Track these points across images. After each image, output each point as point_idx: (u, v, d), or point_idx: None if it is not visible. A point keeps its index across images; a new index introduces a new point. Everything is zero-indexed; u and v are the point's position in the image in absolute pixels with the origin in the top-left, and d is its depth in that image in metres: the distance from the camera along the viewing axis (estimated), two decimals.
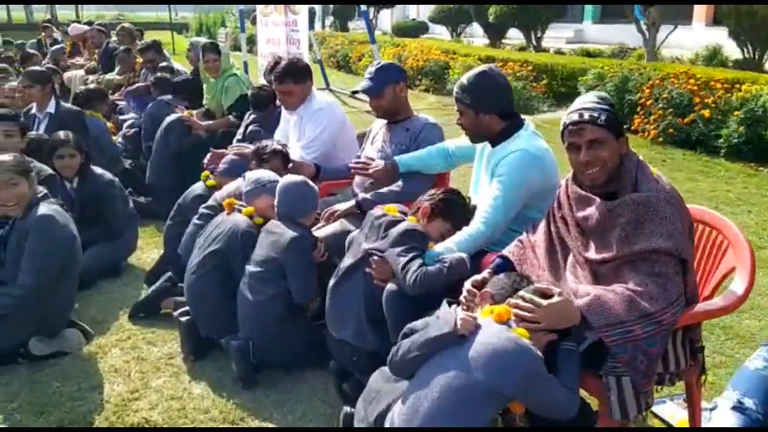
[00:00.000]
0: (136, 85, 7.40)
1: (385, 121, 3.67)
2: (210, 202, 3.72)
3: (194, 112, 5.66)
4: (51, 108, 5.28)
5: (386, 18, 31.38)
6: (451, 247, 2.69)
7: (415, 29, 25.49)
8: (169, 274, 3.87)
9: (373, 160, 3.46)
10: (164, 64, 7.02)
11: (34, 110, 5.35)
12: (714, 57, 12.58)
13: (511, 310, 2.14)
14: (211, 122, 5.61)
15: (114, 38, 9.78)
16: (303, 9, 9.99)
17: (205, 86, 5.83)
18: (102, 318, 3.72)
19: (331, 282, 2.95)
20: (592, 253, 2.24)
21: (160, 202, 5.31)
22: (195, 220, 3.70)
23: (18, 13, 42.60)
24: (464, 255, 2.62)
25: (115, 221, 4.27)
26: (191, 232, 3.66)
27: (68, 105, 5.51)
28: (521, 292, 2.20)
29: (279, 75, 4.00)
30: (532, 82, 11.58)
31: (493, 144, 2.92)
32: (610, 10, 19.77)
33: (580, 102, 2.27)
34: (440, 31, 24.43)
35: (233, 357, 3.07)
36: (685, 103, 8.09)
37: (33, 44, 15.32)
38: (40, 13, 42.10)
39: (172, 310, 3.61)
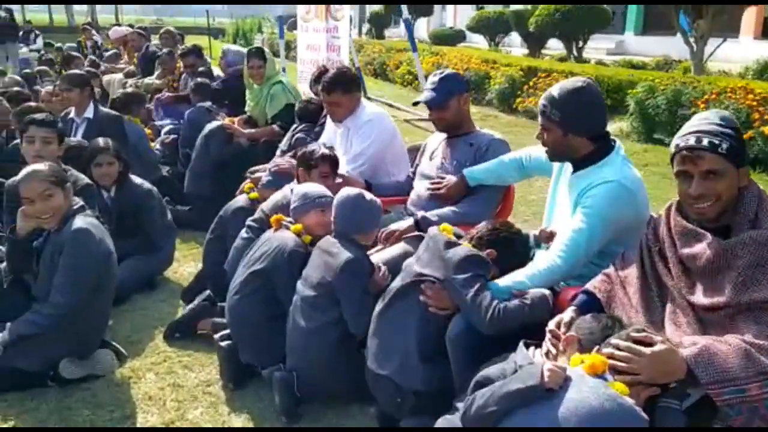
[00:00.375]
0: (167, 94, 7.22)
1: (444, 136, 3.40)
2: (257, 214, 3.48)
3: (236, 119, 5.45)
4: (89, 112, 5.13)
5: (422, 26, 31.21)
6: (522, 281, 2.41)
7: (452, 38, 25.27)
8: (207, 292, 3.65)
9: (443, 177, 3.20)
10: (203, 68, 6.85)
11: (72, 114, 5.20)
12: (766, 71, 12.09)
13: (606, 360, 1.85)
14: (253, 130, 5.40)
15: (154, 42, 9.68)
16: (345, 15, 9.78)
17: (248, 93, 5.63)
18: (136, 338, 3.50)
19: (377, 308, 2.68)
20: (699, 297, 1.94)
21: (199, 212, 5.12)
22: (243, 233, 3.47)
23: (59, 15, 43.38)
24: (546, 291, 2.34)
25: (152, 233, 4.07)
26: (238, 247, 3.42)
27: (107, 110, 5.36)
28: (614, 339, 1.91)
29: (327, 85, 3.77)
30: None
31: (577, 168, 2.62)
32: (653, 21, 19.37)
33: (698, 122, 1.96)
34: (477, 40, 24.17)
35: (276, 388, 2.82)
36: (743, 119, 7.68)
37: (72, 47, 15.47)
38: (80, 16, 42.87)
39: (209, 332, 3.39)
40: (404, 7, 10.78)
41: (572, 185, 2.63)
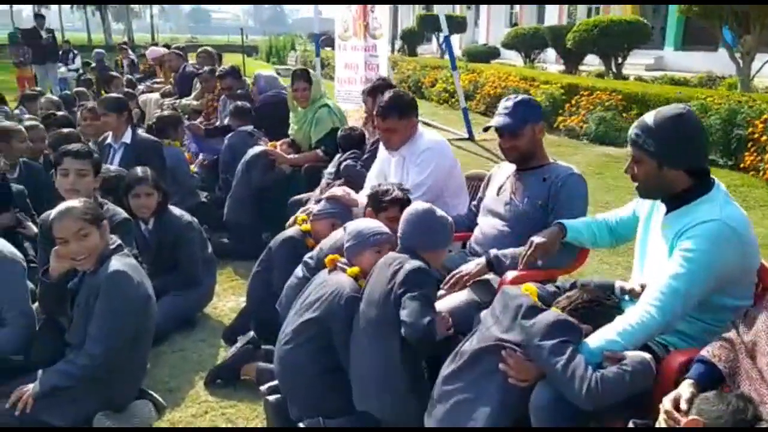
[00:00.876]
0: (200, 120, 6.97)
1: (512, 168, 3.09)
2: (316, 251, 3.21)
3: (278, 143, 5.21)
4: (127, 137, 4.94)
5: (455, 43, 30.98)
6: (614, 340, 2.09)
7: (486, 54, 25.04)
8: (251, 333, 3.38)
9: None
10: (242, 91, 6.62)
11: (109, 140, 5.02)
12: None
13: None
14: (297, 156, 5.17)
15: (191, 62, 9.57)
16: (383, 33, 9.57)
17: (291, 115, 5.38)
18: (175, 384, 3.24)
19: (447, 369, 2.38)
20: None
21: (239, 241, 4.89)
22: (298, 271, 3.20)
23: (98, 35, 44.26)
24: (647, 356, 2.01)
25: (192, 268, 3.82)
26: (292, 287, 3.15)
27: (145, 135, 5.16)
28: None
29: (382, 110, 3.51)
30: (622, 112, 10.83)
31: (672, 206, 2.29)
32: (693, 36, 18.91)
33: None
34: (510, 56, 23.91)
35: None
36: None
37: (87, 62, 15.72)
38: (118, 35, 43.71)
39: (253, 378, 3.12)
40: (444, 24, 10.54)
41: (666, 227, 2.31)
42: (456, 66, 10.80)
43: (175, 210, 3.88)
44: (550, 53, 21.45)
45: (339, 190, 3.60)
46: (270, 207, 4.86)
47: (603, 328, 2.14)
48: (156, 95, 10.08)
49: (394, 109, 3.50)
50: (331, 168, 4.55)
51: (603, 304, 2.24)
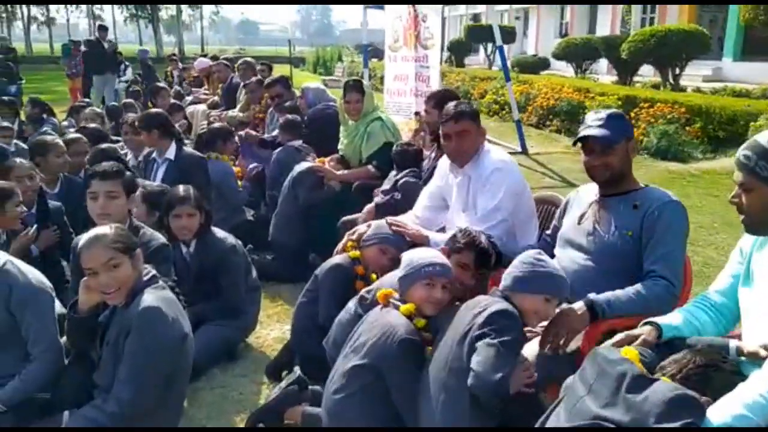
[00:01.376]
0: (247, 131, 6.74)
1: (594, 192, 2.71)
2: (375, 285, 2.88)
3: (326, 159, 4.91)
4: (171, 153, 4.72)
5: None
6: (744, 415, 1.69)
7: (536, 65, 24.59)
8: (297, 371, 3.06)
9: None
10: (290, 103, 6.31)
11: (154, 154, 4.81)
12: None
13: None
14: (347, 172, 4.85)
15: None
16: (435, 43, 9.25)
17: (342, 129, 5.08)
18: (214, 425, 2.95)
19: None
20: None
21: (285, 262, 4.62)
22: (350, 305, 2.88)
23: (150, 47, 45.20)
24: None
25: (235, 296, 3.53)
26: (343, 323, 2.84)
27: (190, 150, 4.92)
28: None
29: (456, 112, 3.18)
30: (685, 125, 10.27)
31: None
32: (753, 47, 18.22)
33: None
34: (560, 67, 23.42)
35: None
36: None
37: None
38: (169, 47, 44.59)
39: (298, 424, 2.80)
40: (497, 35, 10.18)
41: None
42: (509, 77, 10.39)
43: (219, 232, 3.61)
44: (602, 64, 20.95)
45: (407, 224, 3.25)
46: (318, 227, 4.57)
47: (724, 399, 1.74)
48: (203, 107, 9.97)
49: (468, 112, 3.19)
50: (385, 186, 4.21)
51: (720, 368, 1.84)
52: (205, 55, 18.01)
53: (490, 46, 28.17)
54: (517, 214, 3.07)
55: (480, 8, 38.10)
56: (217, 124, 5.52)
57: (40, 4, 42.78)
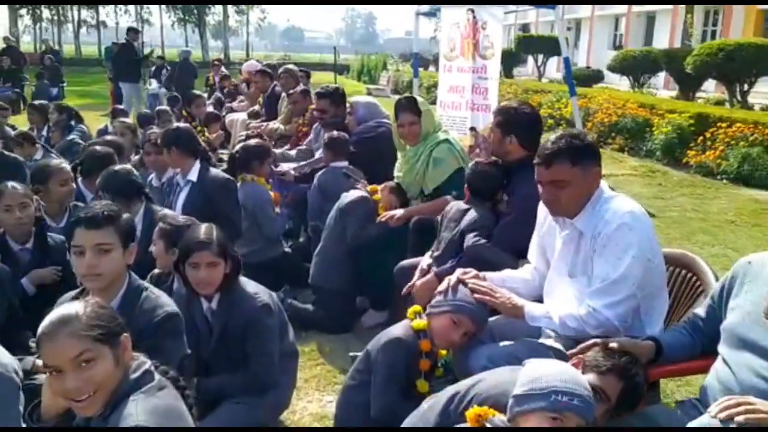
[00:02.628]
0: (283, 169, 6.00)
1: None
2: (467, 391, 2.04)
3: (380, 188, 4.13)
4: (193, 174, 4.04)
5: (552, 65, 29.73)
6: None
7: (589, 78, 23.68)
8: None
9: None
10: (337, 119, 5.33)
11: (178, 176, 4.13)
12: None
13: None
14: (421, 206, 3.95)
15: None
16: (495, 53, 8.44)
17: (399, 155, 4.26)
18: None
19: None
20: None
21: (327, 310, 3.87)
22: (426, 409, 2.12)
23: (196, 52, 45.38)
24: None
25: (265, 369, 2.76)
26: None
27: (216, 172, 4.19)
28: None
29: (548, 153, 2.35)
30: None
31: None
32: None
33: None
34: (613, 79, 22.51)
35: None
36: None
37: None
38: (215, 52, 44.70)
39: None
40: (563, 45, 9.31)
41: None
42: (575, 92, 9.51)
43: (249, 285, 2.86)
44: (659, 78, 20.03)
45: (477, 282, 2.47)
46: (368, 267, 3.84)
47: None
48: (243, 116, 9.37)
49: (565, 151, 2.33)
50: (466, 224, 3.30)
51: None
52: (249, 59, 17.53)
53: (540, 56, 27.28)
54: (644, 286, 2.24)
55: (529, 18, 37.13)
56: (252, 142, 4.75)
57: (85, 4, 43.26)
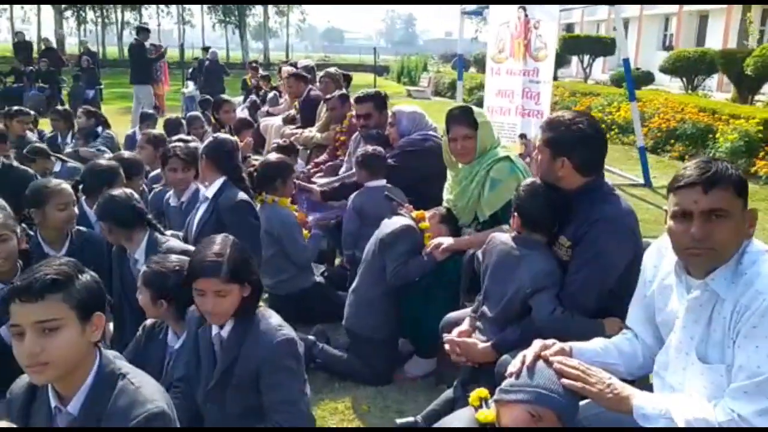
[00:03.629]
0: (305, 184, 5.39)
1: None
2: None
3: (428, 213, 3.50)
4: (212, 190, 3.54)
5: (598, 67, 28.77)
6: None
7: (638, 80, 22.72)
8: None
9: None
10: (375, 131, 4.66)
11: (201, 191, 3.65)
12: None
13: None
14: (481, 234, 3.23)
15: (318, 85, 8.21)
16: (549, 54, 7.81)
17: (449, 175, 3.61)
18: None
19: None
20: None
21: (364, 360, 3.31)
22: None
23: (236, 53, 45.42)
24: None
25: (289, 420, 2.19)
26: None
27: (232, 192, 3.53)
28: None
29: (710, 180, 1.71)
30: None
31: None
32: None
33: None
34: (662, 81, 21.55)
35: None
36: None
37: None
38: (255, 53, 44.68)
39: None
40: (623, 46, 8.64)
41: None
42: (635, 96, 8.79)
43: (270, 317, 2.30)
44: (712, 79, 19.16)
45: (565, 360, 1.86)
46: (413, 311, 3.27)
47: None
48: (278, 121, 8.88)
49: (729, 176, 1.72)
50: (527, 282, 2.67)
51: None
52: (286, 62, 17.13)
53: (586, 58, 26.33)
54: None
55: (574, 17, 36.08)
56: (272, 157, 4.13)
57: (126, 4, 43.58)
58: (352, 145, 5.02)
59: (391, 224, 3.38)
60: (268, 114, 9.85)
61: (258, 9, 47.00)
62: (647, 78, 23.24)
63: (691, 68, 18.98)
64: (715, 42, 24.04)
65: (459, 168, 3.44)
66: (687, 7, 27.50)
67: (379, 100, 4.83)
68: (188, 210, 3.72)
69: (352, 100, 5.35)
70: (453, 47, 13.56)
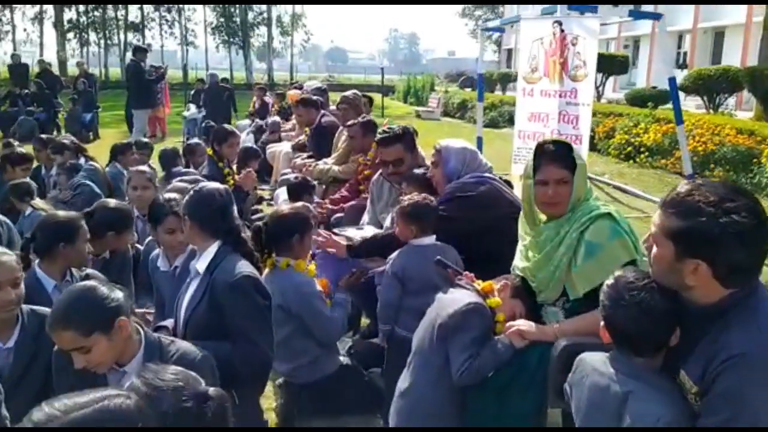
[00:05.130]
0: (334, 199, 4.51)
1: None
2: None
3: (496, 284, 2.61)
4: (204, 262, 2.63)
5: (609, 85, 28.05)
6: None
7: (654, 99, 21.95)
8: None
9: None
10: (420, 170, 3.70)
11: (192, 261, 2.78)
12: None
13: None
14: (578, 320, 2.40)
15: (332, 109, 7.41)
16: (589, 73, 7.02)
17: (521, 229, 2.72)
18: None
19: None
20: None
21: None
22: None
23: (240, 73, 44.88)
24: None
25: None
26: None
27: (231, 265, 2.56)
28: None
29: None
30: None
31: None
32: None
33: None
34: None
35: None
36: None
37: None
38: (260, 74, 44.13)
39: None
40: (670, 62, 7.84)
41: None
42: (682, 119, 7.97)
43: None
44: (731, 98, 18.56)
45: None
46: (479, 415, 2.41)
47: None
48: (286, 147, 8.09)
49: None
50: None
51: None
52: (292, 83, 16.41)
53: (599, 76, 25.61)
54: None
55: None
56: (285, 208, 3.10)
57: (125, 3, 43.13)
58: (374, 188, 4.14)
59: (451, 302, 2.48)
60: (267, 142, 9.05)
61: (262, 29, 46.57)
62: (664, 97, 22.52)
63: (712, 87, 18.26)
64: (733, 59, 23.33)
65: (539, 225, 2.58)
66: (702, 24, 26.85)
67: (409, 139, 3.93)
68: (183, 277, 2.85)
69: (375, 143, 4.40)
70: (457, 66, 12.84)
